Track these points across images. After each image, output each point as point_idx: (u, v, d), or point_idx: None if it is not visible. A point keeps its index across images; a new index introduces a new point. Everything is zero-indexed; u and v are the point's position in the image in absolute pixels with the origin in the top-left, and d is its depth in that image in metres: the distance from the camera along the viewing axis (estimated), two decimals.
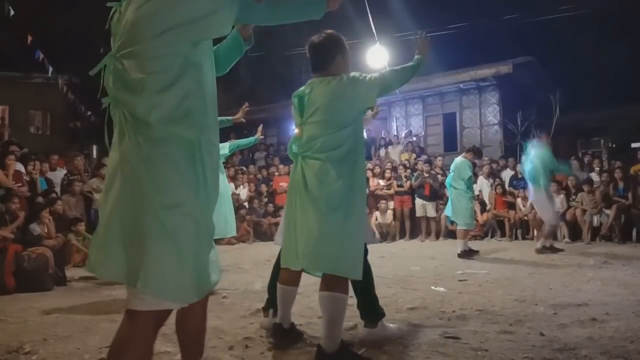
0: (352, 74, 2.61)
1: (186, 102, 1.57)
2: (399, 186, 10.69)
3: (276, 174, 12.23)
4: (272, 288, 3.04)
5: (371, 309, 2.92)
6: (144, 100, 1.52)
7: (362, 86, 2.56)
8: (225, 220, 4.72)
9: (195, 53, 1.60)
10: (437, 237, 10.20)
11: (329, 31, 2.70)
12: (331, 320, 2.40)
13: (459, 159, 7.35)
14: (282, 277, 2.79)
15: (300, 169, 2.57)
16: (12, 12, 9.97)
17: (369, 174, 10.94)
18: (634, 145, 12.85)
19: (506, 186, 10.44)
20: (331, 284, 2.40)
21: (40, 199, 7.11)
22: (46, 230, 6.27)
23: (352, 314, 3.09)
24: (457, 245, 7.11)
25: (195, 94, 1.59)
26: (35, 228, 6.13)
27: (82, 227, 7.11)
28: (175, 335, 1.86)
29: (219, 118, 4.32)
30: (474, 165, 7.72)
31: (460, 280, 5.02)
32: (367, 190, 10.08)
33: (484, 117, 14.22)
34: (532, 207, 9.56)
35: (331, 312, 2.40)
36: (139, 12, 1.55)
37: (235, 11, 1.64)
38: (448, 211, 7.53)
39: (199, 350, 1.84)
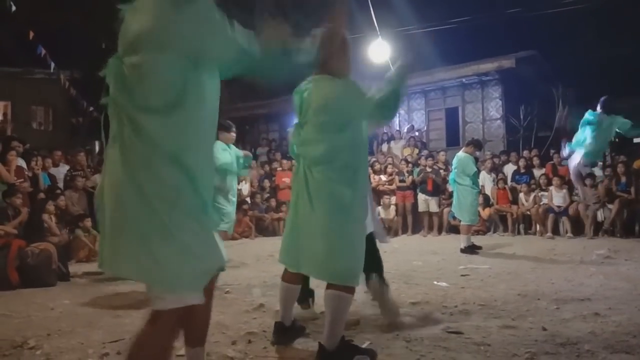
0: (352, 81, 2.55)
1: (183, 120, 1.59)
2: (400, 181, 10.68)
3: (279, 169, 12.19)
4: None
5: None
6: (143, 113, 1.56)
7: (356, 98, 2.50)
8: (230, 220, 5.50)
9: (197, 75, 1.62)
10: (440, 232, 10.20)
11: (329, 26, 2.61)
12: (334, 318, 2.40)
13: (461, 154, 7.26)
14: (286, 275, 2.77)
15: (303, 173, 2.53)
16: (13, 8, 9.96)
17: (370, 170, 10.88)
18: (636, 140, 12.76)
19: (508, 181, 10.42)
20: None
21: (42, 195, 7.13)
22: (46, 226, 6.29)
23: (354, 309, 3.10)
24: (461, 241, 7.09)
25: (193, 115, 1.62)
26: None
27: (88, 222, 7.17)
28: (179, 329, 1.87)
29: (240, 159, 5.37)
30: (477, 159, 7.66)
31: (462, 275, 5.03)
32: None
33: (487, 112, 14.16)
34: (534, 201, 9.59)
35: (334, 310, 2.40)
36: (142, 25, 1.58)
37: (237, 42, 1.66)
38: (455, 209, 7.43)
39: (202, 338, 1.92)
